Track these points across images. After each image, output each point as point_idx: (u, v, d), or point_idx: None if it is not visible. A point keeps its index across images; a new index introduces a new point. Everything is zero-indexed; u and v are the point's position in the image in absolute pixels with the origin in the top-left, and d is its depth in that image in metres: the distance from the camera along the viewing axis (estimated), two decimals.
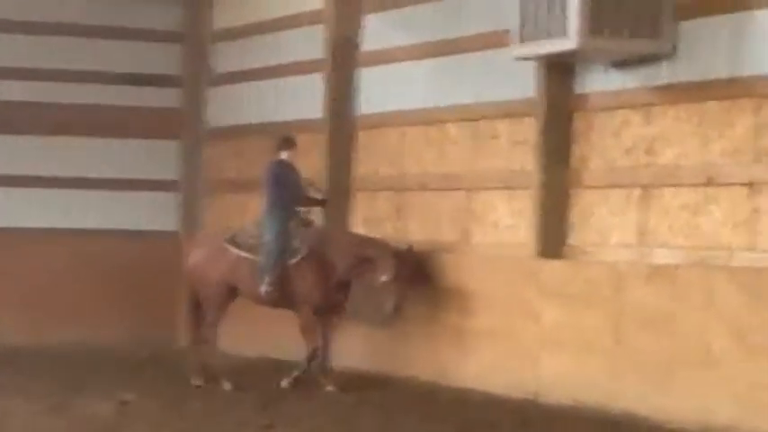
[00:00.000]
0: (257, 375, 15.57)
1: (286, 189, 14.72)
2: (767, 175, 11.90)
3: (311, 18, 17.40)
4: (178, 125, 19.84)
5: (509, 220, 14.70)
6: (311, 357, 14.59)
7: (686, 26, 12.68)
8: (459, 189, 15.34)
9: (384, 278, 14.16)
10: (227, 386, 14.64)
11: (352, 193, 17.06)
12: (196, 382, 14.92)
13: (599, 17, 12.46)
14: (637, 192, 13.26)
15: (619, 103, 13.45)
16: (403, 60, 16.11)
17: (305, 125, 17.46)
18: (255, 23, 18.69)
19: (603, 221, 13.66)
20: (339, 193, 16.95)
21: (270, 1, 18.45)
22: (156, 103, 19.71)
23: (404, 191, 16.11)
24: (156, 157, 19.83)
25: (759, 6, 11.98)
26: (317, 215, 15.51)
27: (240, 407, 13.29)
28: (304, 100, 17.57)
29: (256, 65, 18.67)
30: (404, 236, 15.87)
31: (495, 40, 14.08)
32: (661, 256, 12.90)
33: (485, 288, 14.38)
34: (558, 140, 13.97)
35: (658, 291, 12.38)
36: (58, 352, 17.51)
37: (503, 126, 14.82)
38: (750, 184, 12.06)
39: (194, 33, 19.78)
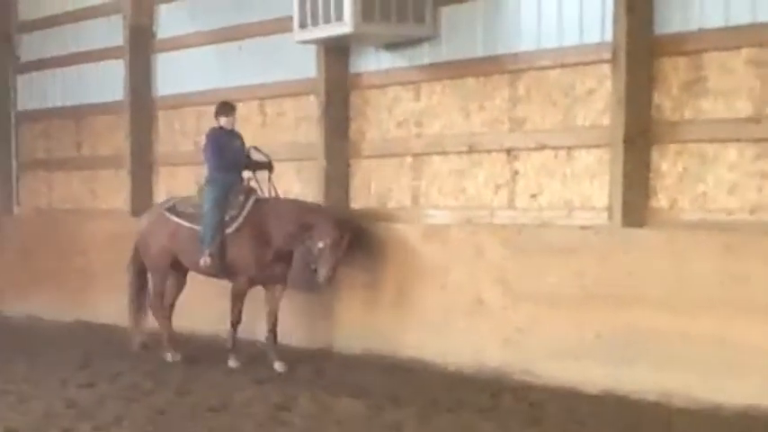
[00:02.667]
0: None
1: (226, 156, 12.86)
2: (522, 142, 12.04)
3: (110, 9, 16.98)
4: None
5: (299, 187, 14.55)
6: (234, 326, 12.83)
7: (446, 11, 12.69)
8: None
9: (321, 245, 12.16)
10: (169, 357, 13.19)
11: (154, 168, 16.74)
12: (136, 349, 13.65)
13: (370, 4, 12.40)
14: (409, 160, 13.32)
15: (390, 81, 13.43)
16: (196, 46, 15.84)
17: (108, 108, 17.21)
18: (59, 14, 18.13)
19: (382, 186, 13.66)
20: (143, 168, 16.70)
21: None
22: None
23: (202, 164, 15.82)
24: None
25: None
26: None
27: (62, 367, 12.79)
28: (106, 84, 17.14)
29: (62, 53, 18.09)
30: None
31: (279, 26, 13.89)
32: (433, 216, 12.97)
33: None
34: (337, 116, 13.90)
35: (433, 248, 12.41)
36: None
37: (288, 104, 14.72)
38: (508, 151, 12.20)
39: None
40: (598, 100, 11.31)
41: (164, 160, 16.67)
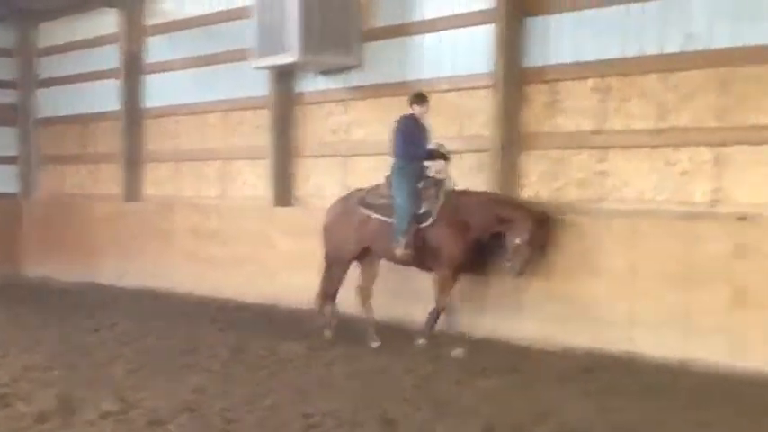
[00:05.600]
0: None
1: (413, 145, 10.55)
2: None
3: (109, 39, 16.86)
4: (14, 117, 18.99)
5: (253, 180, 14.64)
6: (436, 316, 10.55)
7: (369, 46, 12.83)
8: (217, 159, 15.22)
9: (518, 240, 10.10)
10: (374, 343, 10.68)
11: (143, 164, 16.64)
12: (327, 334, 11.02)
13: (310, 41, 12.53)
14: (339, 159, 13.40)
15: (325, 99, 13.50)
16: (176, 69, 15.76)
17: (107, 116, 17.05)
18: (69, 42, 17.96)
19: (318, 180, 13.74)
20: (133, 164, 16.60)
21: (77, 27, 17.77)
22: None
23: (179, 161, 15.94)
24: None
25: (417, 32, 12.25)
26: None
27: (70, 318, 12.62)
28: (105, 98, 16.94)
29: (71, 72, 17.94)
30: (180, 192, 15.82)
31: (241, 55, 13.86)
32: None
33: (238, 227, 14.36)
34: (284, 125, 13.94)
35: None
36: None
37: (247, 115, 14.69)
38: None
39: (24, 50, 18.93)
40: (481, 116, 11.47)
41: (149, 158, 16.54)
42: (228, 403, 7.91)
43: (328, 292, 11.15)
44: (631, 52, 10.12)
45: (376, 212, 10.76)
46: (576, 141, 10.66)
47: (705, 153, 9.67)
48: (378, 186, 10.94)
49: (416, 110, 10.60)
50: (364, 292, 11.04)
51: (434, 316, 10.54)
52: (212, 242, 14.64)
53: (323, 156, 13.64)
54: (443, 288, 10.36)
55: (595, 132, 10.51)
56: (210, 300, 13.97)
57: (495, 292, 10.80)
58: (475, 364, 9.51)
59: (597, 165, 10.52)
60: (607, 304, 9.89)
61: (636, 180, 10.19)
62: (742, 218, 9.27)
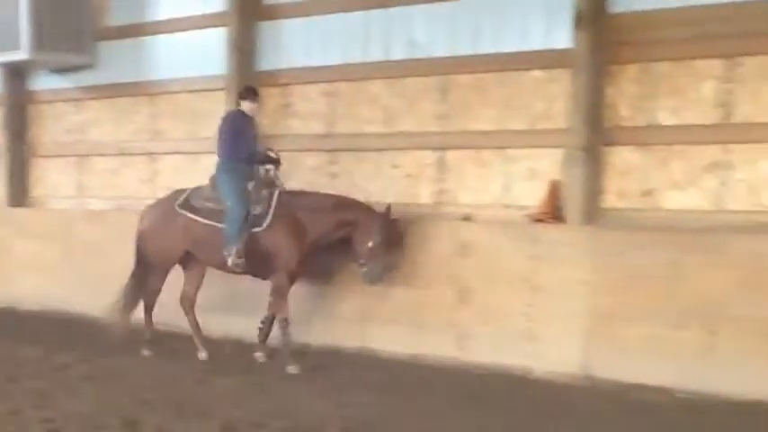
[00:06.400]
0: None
1: (242, 144, 8.89)
2: (161, 148, 11.65)
3: None
4: None
5: None
6: (285, 327, 8.87)
7: (103, 45, 12.08)
8: None
9: (371, 243, 8.68)
10: (202, 354, 9.40)
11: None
12: (145, 353, 9.45)
13: (42, 38, 11.67)
14: (75, 159, 12.61)
15: (58, 98, 12.66)
16: None
17: None
18: None
19: (54, 180, 12.88)
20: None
21: None
22: None
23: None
24: None
25: (152, 33, 11.61)
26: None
27: None
28: None
29: None
30: None
31: None
32: (94, 204, 12.36)
33: None
34: (18, 124, 13.01)
35: (94, 228, 11.74)
36: None
37: None
38: (150, 155, 11.77)
39: None
40: (216, 118, 10.50)
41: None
42: None
43: (146, 303, 9.53)
44: (358, 58, 9.89)
45: (201, 217, 9.12)
46: (309, 144, 10.35)
47: (429, 156, 9.56)
48: (200, 188, 9.28)
49: (246, 105, 9.03)
50: (188, 302, 9.56)
51: (268, 326, 9.22)
52: None
53: (58, 155, 12.78)
54: (280, 296, 8.90)
55: (326, 135, 10.22)
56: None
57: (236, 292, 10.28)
58: (215, 363, 9.14)
59: (328, 167, 10.23)
60: (339, 302, 9.61)
61: (363, 182, 9.97)
62: (465, 218, 9.22)
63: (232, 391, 8.12)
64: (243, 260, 8.84)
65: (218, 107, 10.87)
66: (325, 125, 10.23)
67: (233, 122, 8.99)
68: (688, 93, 8.16)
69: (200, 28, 11.14)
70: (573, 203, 8.60)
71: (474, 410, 7.47)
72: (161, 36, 11.53)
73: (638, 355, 7.94)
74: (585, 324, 8.26)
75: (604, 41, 8.44)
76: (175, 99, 11.29)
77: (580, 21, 8.46)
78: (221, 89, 10.78)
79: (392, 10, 9.63)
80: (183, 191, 9.41)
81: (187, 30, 11.27)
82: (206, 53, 11.04)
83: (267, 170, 9.08)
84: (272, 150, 9.23)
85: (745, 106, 7.93)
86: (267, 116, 10.65)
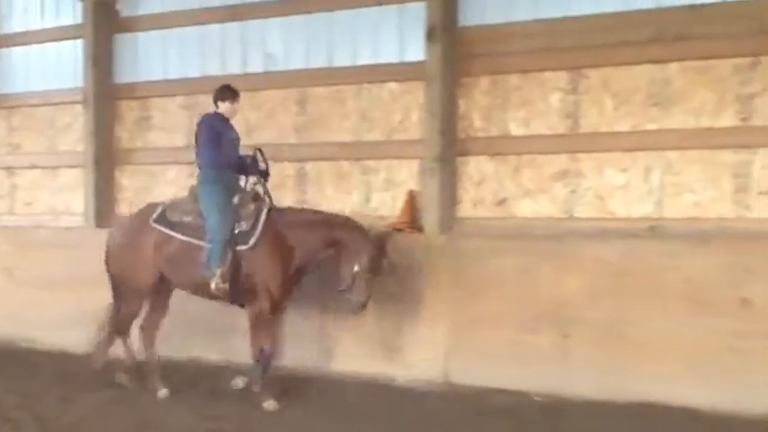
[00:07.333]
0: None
1: (220, 150, 7.31)
2: (19, 162, 10.77)
3: None
4: None
5: None
6: (264, 358, 7.37)
7: None
8: None
9: (357, 267, 7.12)
10: (161, 392, 7.75)
11: None
12: (122, 379, 7.97)
13: None
14: None
15: None
16: None
17: None
18: None
19: None
20: None
21: None
22: None
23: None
24: None
25: (6, 45, 10.72)
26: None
27: None
28: None
29: None
30: None
31: None
32: None
33: None
34: None
35: None
36: None
37: None
38: (8, 169, 10.85)
39: None
40: (75, 131, 10.26)
41: None
42: None
43: (119, 328, 7.88)
44: (216, 71, 9.27)
45: (179, 233, 7.47)
46: (169, 156, 9.69)
47: (289, 168, 9.02)
48: (180, 200, 7.68)
49: (224, 107, 7.45)
50: (149, 331, 7.94)
51: (265, 362, 7.45)
52: None
53: None
54: (265, 326, 7.34)
55: (186, 148, 9.44)
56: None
57: None
58: (77, 380, 8.32)
59: (189, 180, 9.45)
60: (207, 317, 8.92)
61: None
62: None
63: (96, 406, 7.45)
64: (227, 285, 7.24)
65: (75, 120, 10.17)
66: (186, 138, 9.54)
67: (209, 127, 7.36)
68: (537, 104, 7.89)
69: (56, 40, 10.37)
70: (430, 213, 8.22)
71: (337, 420, 7.06)
72: (17, 48, 10.69)
73: (496, 360, 7.61)
74: (444, 331, 7.87)
75: (456, 54, 8.09)
76: (32, 112, 10.50)
77: (432, 34, 8.08)
78: (79, 102, 10.03)
79: (249, 23, 9.11)
80: (157, 204, 7.77)
81: (43, 42, 10.47)
82: (63, 66, 10.29)
83: (255, 183, 7.55)
84: (261, 154, 7.56)
85: (591, 117, 7.67)
86: (126, 129, 9.97)
